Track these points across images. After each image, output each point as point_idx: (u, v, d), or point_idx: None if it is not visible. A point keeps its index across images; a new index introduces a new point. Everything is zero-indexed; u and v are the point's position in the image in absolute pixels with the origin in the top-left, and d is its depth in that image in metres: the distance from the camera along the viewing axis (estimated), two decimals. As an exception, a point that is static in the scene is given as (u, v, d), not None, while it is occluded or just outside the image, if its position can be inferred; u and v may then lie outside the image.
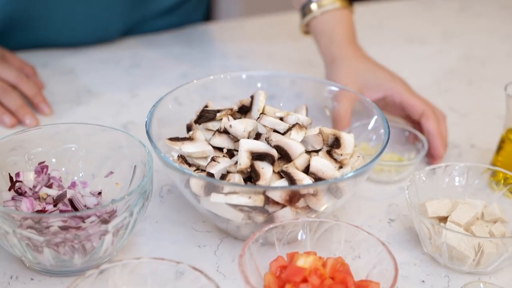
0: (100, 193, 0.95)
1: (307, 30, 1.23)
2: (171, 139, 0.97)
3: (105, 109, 1.23)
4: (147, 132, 0.94)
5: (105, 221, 0.85)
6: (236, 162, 0.92)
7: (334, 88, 1.06)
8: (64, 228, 0.83)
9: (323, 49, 1.19)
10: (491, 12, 1.64)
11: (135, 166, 0.94)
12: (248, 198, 0.87)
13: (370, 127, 1.02)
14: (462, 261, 0.91)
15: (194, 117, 1.02)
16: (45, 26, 1.34)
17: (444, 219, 0.96)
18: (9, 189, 0.91)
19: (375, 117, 1.01)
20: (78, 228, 0.83)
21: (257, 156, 0.91)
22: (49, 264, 0.86)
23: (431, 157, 1.11)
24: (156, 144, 0.92)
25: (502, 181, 0.99)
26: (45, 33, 1.35)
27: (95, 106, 1.24)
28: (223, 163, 0.93)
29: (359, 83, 1.12)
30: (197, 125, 1.00)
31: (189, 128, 1.02)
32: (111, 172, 0.97)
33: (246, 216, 0.90)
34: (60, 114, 1.21)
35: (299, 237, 0.89)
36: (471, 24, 1.59)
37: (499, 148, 1.08)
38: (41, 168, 0.94)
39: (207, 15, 1.64)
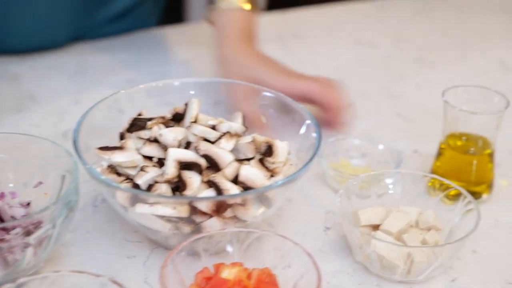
0: (29, 204, 0.93)
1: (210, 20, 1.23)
2: (101, 148, 0.95)
3: (46, 117, 1.22)
4: (74, 142, 0.92)
5: (29, 233, 0.83)
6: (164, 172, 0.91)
7: (269, 94, 1.05)
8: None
9: (216, 45, 1.19)
10: (446, 16, 1.63)
11: (63, 176, 0.93)
12: (173, 209, 0.86)
13: (301, 132, 1.00)
14: (392, 270, 0.90)
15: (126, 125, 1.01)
16: (19, 32, 1.32)
17: (377, 227, 0.95)
18: None
19: (307, 121, 1.00)
20: (1, 240, 0.82)
21: (185, 166, 0.90)
22: None
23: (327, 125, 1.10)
24: (82, 155, 0.91)
25: (438, 187, 0.98)
26: (20, 38, 1.34)
27: (36, 113, 1.22)
28: (152, 172, 0.91)
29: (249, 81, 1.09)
30: (129, 133, 0.99)
31: (122, 137, 1.00)
32: (40, 183, 0.95)
33: (174, 227, 0.89)
34: (1, 120, 1.19)
35: (227, 248, 0.88)
36: (424, 27, 1.58)
37: (439, 154, 1.07)
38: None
39: (177, 18, 1.62)
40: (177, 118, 1.00)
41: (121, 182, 0.93)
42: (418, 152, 1.16)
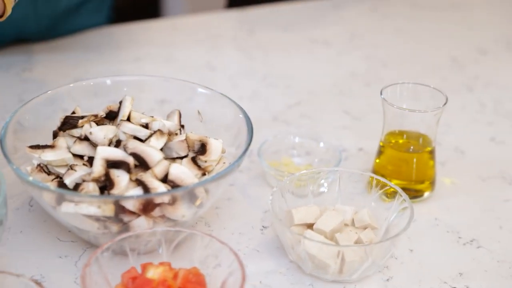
0: None
1: None
2: (31, 146, 0.94)
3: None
4: (1, 142, 0.91)
5: None
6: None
7: (203, 91, 1.04)
8: None
9: None
10: (401, 13, 1.62)
11: None
12: (97, 208, 0.85)
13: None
14: (324, 270, 0.89)
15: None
16: None
17: (311, 226, 0.94)
18: None
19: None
20: None
21: (113, 164, 0.89)
22: None
23: None
24: (9, 155, 0.89)
25: (376, 185, 0.97)
26: None
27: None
28: (79, 171, 0.90)
29: None
30: (62, 132, 0.97)
31: (55, 135, 0.99)
32: None
33: (102, 226, 0.88)
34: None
35: (156, 247, 0.87)
36: (378, 25, 1.57)
37: (379, 152, 1.06)
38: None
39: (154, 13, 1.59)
40: (111, 116, 0.98)
41: (51, 181, 0.91)
42: (363, 150, 1.15)
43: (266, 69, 1.38)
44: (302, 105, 1.27)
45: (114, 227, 0.87)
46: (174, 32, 1.50)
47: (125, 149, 0.90)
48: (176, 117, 1.00)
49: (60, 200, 0.86)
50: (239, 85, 1.31)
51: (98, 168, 0.88)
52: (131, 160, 0.89)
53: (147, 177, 0.88)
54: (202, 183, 0.87)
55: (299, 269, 0.92)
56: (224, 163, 0.95)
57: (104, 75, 1.26)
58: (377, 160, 1.06)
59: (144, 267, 0.84)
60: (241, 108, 0.99)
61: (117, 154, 0.89)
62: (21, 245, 0.94)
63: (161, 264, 0.84)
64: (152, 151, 0.90)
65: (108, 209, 0.85)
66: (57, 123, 0.99)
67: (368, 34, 1.52)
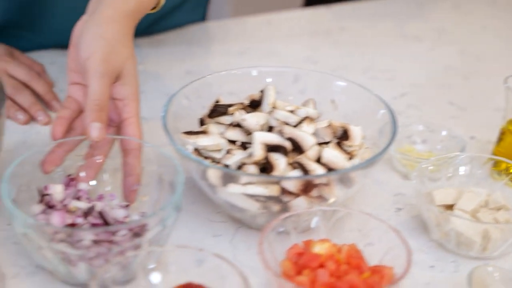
0: (127, 205, 0.96)
1: None
2: (185, 132, 1.00)
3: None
4: (165, 126, 0.97)
5: (137, 235, 0.86)
6: (251, 154, 0.95)
7: (342, 83, 1.10)
8: (96, 242, 0.84)
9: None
10: (482, 10, 1.68)
11: (161, 177, 0.95)
12: (264, 188, 0.91)
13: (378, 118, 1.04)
14: (469, 247, 0.95)
15: (205, 111, 1.05)
16: (51, 28, 1.36)
17: (449, 207, 0.99)
18: (39, 202, 0.92)
19: (382, 111, 1.04)
20: (110, 241, 0.84)
21: (271, 148, 0.95)
22: (82, 278, 0.87)
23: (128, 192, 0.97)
24: (172, 136, 0.95)
25: (504, 171, 1.04)
26: (51, 35, 1.38)
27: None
28: (238, 155, 0.96)
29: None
30: (210, 119, 1.03)
31: (201, 123, 1.05)
32: (136, 185, 0.96)
33: (262, 206, 0.94)
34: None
35: (314, 225, 0.93)
36: (464, 21, 1.63)
37: (500, 139, 1.12)
38: (69, 181, 0.95)
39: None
40: (254, 105, 1.04)
41: (207, 164, 0.97)
42: (475, 138, 1.21)
43: (364, 63, 1.44)
44: (408, 96, 1.32)
45: (275, 207, 0.93)
46: (270, 27, 1.56)
47: (281, 134, 0.96)
48: (311, 105, 1.06)
49: (225, 180, 0.92)
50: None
51: (259, 152, 0.94)
52: (288, 145, 0.95)
53: (304, 160, 0.94)
54: (359, 167, 0.93)
55: (440, 247, 0.98)
56: (366, 148, 1.01)
57: (213, 69, 1.34)
58: (498, 147, 1.12)
59: (308, 243, 0.90)
60: (380, 98, 1.05)
61: (274, 138, 0.95)
62: (176, 225, 1.00)
63: (323, 240, 0.90)
64: (306, 136, 0.96)
65: (274, 189, 0.91)
66: (201, 111, 1.05)
67: (456, 30, 1.58)
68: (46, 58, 1.36)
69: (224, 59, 1.43)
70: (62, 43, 1.40)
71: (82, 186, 0.95)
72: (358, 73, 1.39)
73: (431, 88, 1.36)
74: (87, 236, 0.83)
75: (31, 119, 1.20)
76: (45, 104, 1.23)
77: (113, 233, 0.85)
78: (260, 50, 1.47)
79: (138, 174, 0.95)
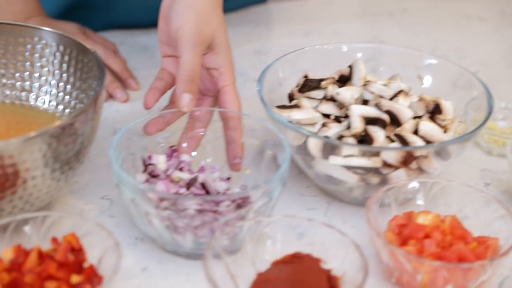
0: (229, 178, 0.96)
1: None
2: (278, 106, 1.00)
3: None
4: (262, 99, 0.97)
5: (240, 206, 0.86)
6: (349, 127, 0.96)
7: (433, 61, 1.09)
8: (200, 212, 0.84)
9: None
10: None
11: (263, 151, 0.95)
12: (367, 160, 0.91)
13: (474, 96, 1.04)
14: None
15: (294, 86, 1.05)
16: (119, 8, 1.37)
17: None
18: (143, 172, 0.93)
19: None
20: (214, 212, 0.85)
21: (369, 121, 0.95)
22: (188, 246, 0.88)
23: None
24: (270, 109, 0.96)
25: None
26: (119, 15, 1.38)
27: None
28: (335, 128, 0.96)
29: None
30: (300, 94, 1.04)
31: (291, 97, 1.05)
32: (240, 158, 0.96)
33: (360, 179, 0.94)
34: (147, 88, 1.23)
35: (413, 197, 0.93)
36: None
37: None
38: (172, 152, 0.95)
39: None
40: (342, 80, 1.04)
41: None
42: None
43: (432, 43, 1.43)
44: (480, 75, 1.32)
45: (375, 179, 0.94)
46: (331, 9, 1.56)
47: (378, 108, 0.96)
48: (399, 80, 1.06)
49: (326, 152, 0.92)
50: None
51: (358, 124, 0.94)
52: (386, 117, 0.95)
53: (404, 132, 0.94)
54: (459, 139, 0.93)
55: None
56: (459, 122, 1.01)
57: (281, 48, 1.34)
58: None
59: (409, 215, 0.90)
60: (470, 72, 1.05)
61: (372, 111, 0.96)
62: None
63: (426, 212, 0.90)
64: (404, 109, 0.96)
65: (377, 161, 0.91)
66: (290, 86, 1.06)
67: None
68: (114, 38, 1.36)
69: (289, 39, 1.43)
70: (129, 23, 1.40)
71: (184, 157, 0.95)
72: (427, 53, 1.39)
73: (501, 67, 1.36)
74: (192, 205, 0.84)
75: (109, 97, 1.20)
76: (121, 82, 1.23)
77: (217, 203, 0.85)
78: (324, 31, 1.47)
79: (241, 145, 0.95)
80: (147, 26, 1.41)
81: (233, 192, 0.92)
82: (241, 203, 0.86)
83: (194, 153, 0.97)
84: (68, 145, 0.86)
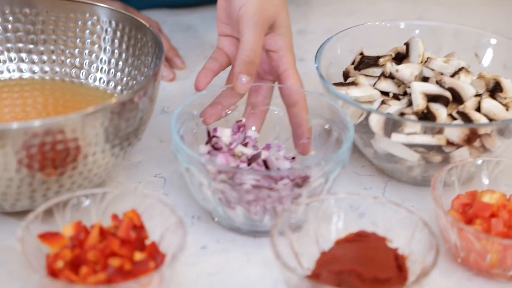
0: (294, 158, 0.94)
1: None
2: (335, 84, 0.98)
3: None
4: (320, 75, 0.95)
5: (298, 185, 0.84)
6: (409, 104, 0.94)
7: (493, 41, 1.07)
8: (256, 187, 0.83)
9: None
10: None
11: (331, 132, 0.93)
12: (430, 138, 0.89)
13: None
14: None
15: (349, 64, 1.04)
16: None
17: None
18: (206, 143, 0.92)
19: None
20: (271, 188, 0.83)
21: (431, 98, 0.93)
22: (239, 221, 0.87)
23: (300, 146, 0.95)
24: (330, 85, 0.94)
25: None
26: None
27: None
28: (396, 105, 0.94)
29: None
30: (355, 71, 1.02)
31: (346, 75, 1.03)
32: (307, 138, 0.94)
33: (422, 157, 0.92)
34: (192, 67, 1.22)
35: (476, 176, 0.91)
36: None
37: None
38: (238, 127, 0.94)
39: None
40: (399, 57, 1.02)
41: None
42: None
43: (477, 23, 1.41)
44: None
45: (437, 158, 0.92)
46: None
47: (440, 85, 0.94)
48: (455, 58, 1.04)
49: (388, 130, 0.90)
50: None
51: (421, 101, 0.92)
52: (448, 95, 0.93)
53: (467, 109, 0.92)
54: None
55: None
56: (520, 100, 0.99)
57: (326, 27, 1.32)
58: None
59: (473, 194, 0.88)
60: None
61: (434, 89, 0.93)
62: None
63: (492, 191, 0.88)
64: (466, 86, 0.94)
65: (441, 139, 0.89)
66: (344, 64, 1.04)
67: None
68: (156, 17, 1.34)
69: (331, 19, 1.41)
70: (171, 2, 1.38)
71: (251, 133, 0.93)
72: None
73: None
74: (250, 180, 0.82)
75: (156, 75, 1.18)
76: (167, 61, 1.22)
77: (275, 181, 0.83)
78: (369, 10, 1.45)
79: (307, 127, 0.93)
80: (190, 5, 1.39)
81: (293, 169, 0.90)
82: (300, 182, 0.84)
83: (257, 131, 0.95)
84: (129, 121, 0.85)
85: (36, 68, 1.03)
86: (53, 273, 0.77)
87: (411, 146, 0.91)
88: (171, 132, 0.87)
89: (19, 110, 0.99)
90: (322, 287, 0.73)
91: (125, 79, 1.00)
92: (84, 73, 1.02)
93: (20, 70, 1.03)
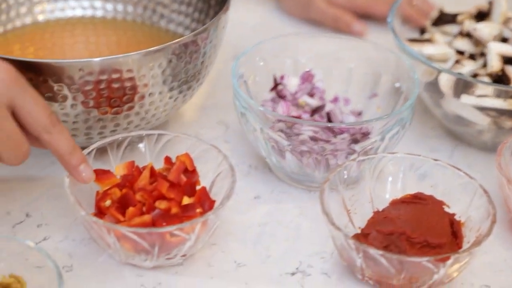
0: (360, 113, 0.91)
1: None
2: (410, 40, 0.94)
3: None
4: (392, 30, 0.92)
5: (356, 141, 0.82)
6: (484, 65, 0.89)
7: None
8: (313, 139, 0.80)
9: None
10: None
11: (399, 90, 0.89)
12: (502, 101, 0.85)
13: None
14: None
15: (427, 20, 0.99)
16: None
17: None
18: (271, 90, 0.90)
19: None
20: (327, 141, 0.81)
21: (507, 60, 0.88)
22: (290, 171, 0.85)
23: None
24: (402, 41, 0.90)
25: None
26: None
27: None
28: (469, 65, 0.90)
29: None
30: (433, 27, 0.97)
31: (422, 31, 0.99)
32: (375, 95, 0.91)
33: (492, 121, 0.88)
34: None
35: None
36: None
37: None
38: (307, 76, 0.91)
39: None
40: (480, 15, 0.97)
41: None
42: None
43: None
44: None
45: (508, 123, 0.87)
46: None
47: (518, 46, 0.89)
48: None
49: (459, 90, 0.86)
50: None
51: (496, 63, 0.88)
52: (527, 58, 0.88)
53: (545, 75, 0.87)
54: None
55: None
56: None
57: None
58: None
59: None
60: None
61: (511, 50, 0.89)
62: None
63: None
64: (547, 50, 0.89)
65: (512, 103, 0.85)
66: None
67: None
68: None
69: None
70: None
71: (319, 84, 0.91)
72: None
73: None
74: (307, 130, 0.80)
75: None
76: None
77: (335, 134, 0.81)
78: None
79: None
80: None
81: (354, 122, 0.87)
82: (359, 138, 0.81)
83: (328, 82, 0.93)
84: (189, 64, 0.83)
85: (109, 7, 1.02)
86: (101, 211, 0.77)
87: (482, 109, 0.86)
88: (231, 75, 0.85)
89: (93, 48, 1.00)
90: (367, 248, 0.70)
91: (188, 20, 0.99)
92: (148, 14, 1.01)
93: (93, 8, 1.02)
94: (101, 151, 0.81)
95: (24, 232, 0.80)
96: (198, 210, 0.76)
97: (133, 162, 0.81)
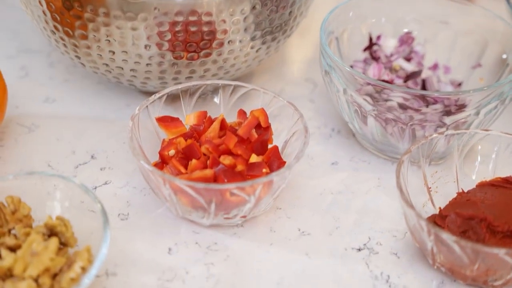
0: (460, 84, 0.84)
1: None
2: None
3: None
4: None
5: (448, 113, 0.74)
6: None
7: None
8: (402, 107, 0.73)
9: None
10: None
11: (506, 62, 0.81)
12: None
13: None
14: None
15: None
16: None
17: None
18: (364, 50, 0.84)
19: None
20: (417, 110, 0.73)
21: None
22: (372, 138, 0.78)
23: None
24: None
25: None
26: None
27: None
28: None
29: None
30: None
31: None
32: (479, 65, 0.84)
33: None
34: None
35: None
36: None
37: None
38: (406, 39, 0.84)
39: None
40: None
41: None
42: None
43: None
44: None
45: None
46: None
47: None
48: None
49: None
50: None
51: None
52: None
53: None
54: None
55: None
56: None
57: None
58: None
59: None
60: None
61: None
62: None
63: None
64: None
65: None
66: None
67: None
68: None
69: None
70: None
71: (418, 48, 0.83)
72: None
73: None
74: (397, 97, 0.73)
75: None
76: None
77: (427, 104, 0.73)
78: None
79: None
80: None
81: (451, 92, 0.79)
82: (453, 110, 0.73)
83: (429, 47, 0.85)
84: (274, 13, 0.78)
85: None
86: (164, 160, 0.73)
87: None
88: (320, 30, 0.79)
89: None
90: (439, 232, 0.63)
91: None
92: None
93: None
94: (173, 97, 0.77)
95: (86, 173, 0.77)
96: (264, 170, 0.71)
97: (205, 112, 0.76)
